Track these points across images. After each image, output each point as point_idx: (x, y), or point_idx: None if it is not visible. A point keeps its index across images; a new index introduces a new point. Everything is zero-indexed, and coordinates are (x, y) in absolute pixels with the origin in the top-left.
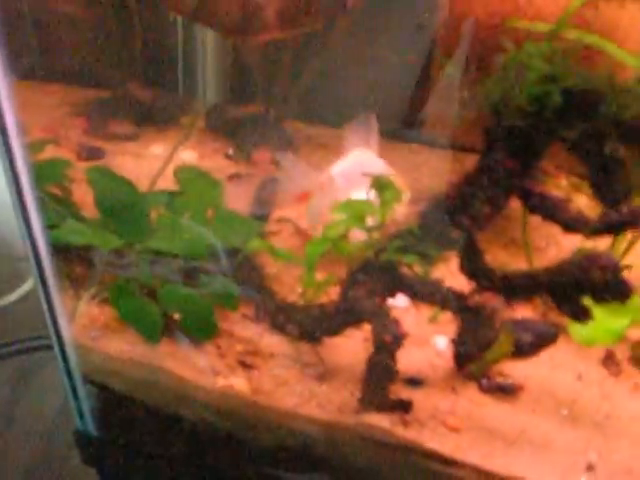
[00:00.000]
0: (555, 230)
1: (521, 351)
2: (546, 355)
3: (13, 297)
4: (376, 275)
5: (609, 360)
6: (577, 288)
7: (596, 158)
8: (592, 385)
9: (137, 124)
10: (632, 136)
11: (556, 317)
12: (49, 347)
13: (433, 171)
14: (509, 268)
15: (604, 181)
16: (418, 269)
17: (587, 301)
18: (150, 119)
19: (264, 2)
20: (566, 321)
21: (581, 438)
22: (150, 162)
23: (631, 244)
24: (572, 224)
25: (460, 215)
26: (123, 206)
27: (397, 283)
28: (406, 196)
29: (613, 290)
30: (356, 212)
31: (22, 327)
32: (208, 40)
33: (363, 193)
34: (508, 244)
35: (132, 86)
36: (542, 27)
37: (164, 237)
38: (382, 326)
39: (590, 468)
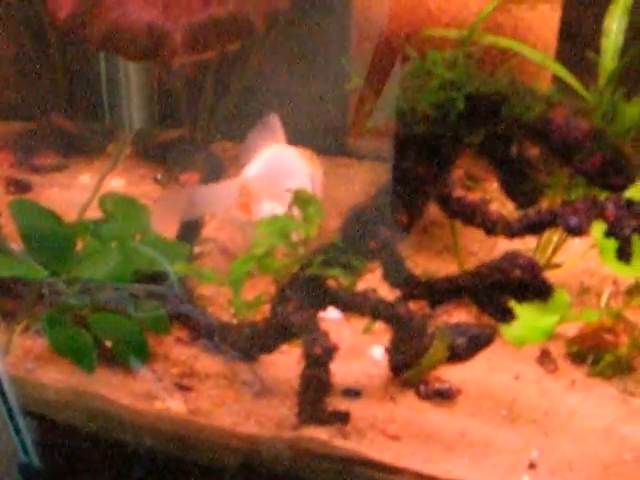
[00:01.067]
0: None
1: (457, 355)
2: (482, 357)
3: None
4: (303, 290)
5: (545, 358)
6: (498, 289)
7: (503, 161)
8: (529, 384)
9: (64, 155)
10: (536, 137)
11: (490, 319)
12: None
13: (364, 183)
14: (436, 274)
15: (513, 183)
16: (344, 281)
17: (511, 301)
18: (76, 149)
19: (170, 27)
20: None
21: (522, 437)
22: (79, 192)
23: (559, 244)
24: (492, 226)
25: (379, 225)
26: (48, 237)
27: (325, 297)
28: (320, 172)
29: (534, 289)
30: (280, 228)
31: None
32: (130, 66)
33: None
34: (442, 251)
35: (56, 117)
36: (455, 33)
37: (89, 265)
38: (312, 340)
39: (532, 466)
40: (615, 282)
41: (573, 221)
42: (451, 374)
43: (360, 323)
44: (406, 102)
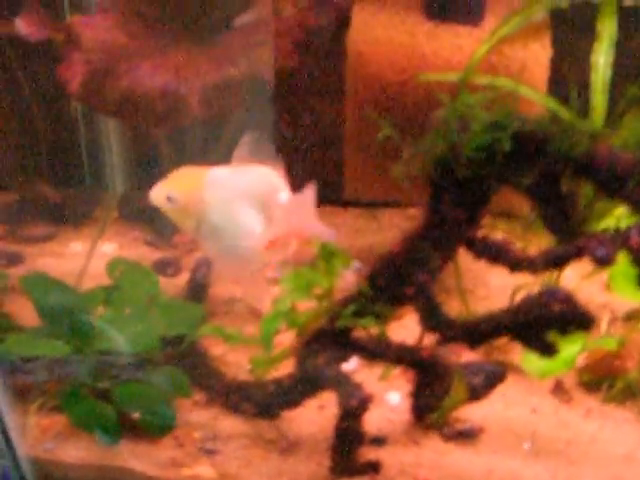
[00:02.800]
0: (481, 272)
1: (474, 394)
2: (498, 394)
3: None
4: (330, 342)
5: (558, 389)
6: (539, 325)
7: (549, 198)
8: (547, 416)
9: (52, 224)
10: (583, 172)
11: (499, 356)
12: None
13: (352, 230)
14: (465, 316)
15: (557, 219)
16: (373, 330)
17: (552, 336)
18: (63, 217)
19: (185, 91)
20: (510, 358)
21: (547, 469)
22: (72, 260)
23: (558, 275)
24: (518, 264)
25: (416, 271)
26: (64, 310)
27: (352, 347)
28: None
29: (576, 321)
30: (305, 283)
31: None
32: (109, 130)
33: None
34: (439, 291)
35: (40, 186)
36: (452, 76)
37: (113, 336)
38: (347, 392)
39: None
40: (611, 310)
41: (601, 252)
42: (471, 413)
43: (372, 371)
44: (443, 147)
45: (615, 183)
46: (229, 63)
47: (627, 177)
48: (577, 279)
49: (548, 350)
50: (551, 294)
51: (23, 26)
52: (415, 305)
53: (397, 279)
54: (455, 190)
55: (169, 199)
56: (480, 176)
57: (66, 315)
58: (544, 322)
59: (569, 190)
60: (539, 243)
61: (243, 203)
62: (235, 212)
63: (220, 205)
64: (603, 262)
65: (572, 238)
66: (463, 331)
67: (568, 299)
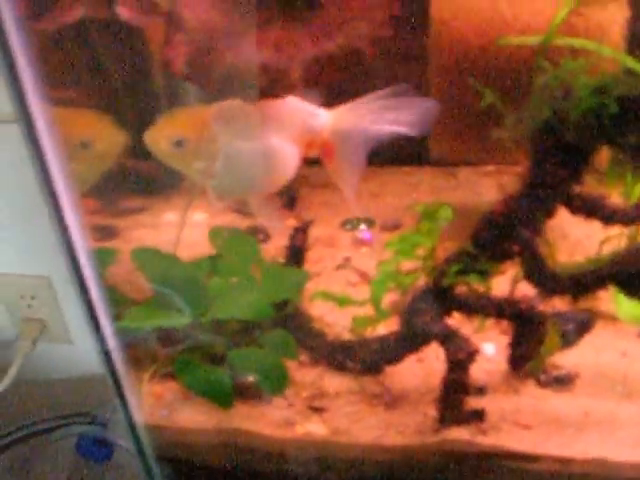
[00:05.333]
0: (559, 224)
1: (567, 341)
2: (587, 341)
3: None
4: (433, 299)
5: None
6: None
7: None
8: (637, 359)
9: (143, 196)
10: None
11: (584, 304)
12: (45, 431)
13: (431, 187)
14: (565, 267)
15: None
16: (479, 286)
17: None
18: (154, 189)
19: (285, 65)
20: (597, 305)
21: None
22: (165, 230)
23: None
24: (612, 217)
25: (520, 229)
26: (176, 281)
27: (455, 304)
28: None
29: None
30: (408, 245)
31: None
32: (194, 103)
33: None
34: None
35: (130, 160)
36: (534, 40)
37: (229, 304)
38: (455, 346)
39: None
40: None
41: None
42: (564, 360)
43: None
44: (549, 111)
45: None
46: (325, 37)
47: None
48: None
49: None
50: None
51: (125, 12)
52: (520, 261)
53: (501, 237)
54: (559, 152)
55: (178, 143)
56: (586, 139)
57: (179, 286)
58: None
59: None
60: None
61: (259, 133)
62: (251, 145)
63: (235, 142)
64: None
65: None
66: (568, 284)
67: None
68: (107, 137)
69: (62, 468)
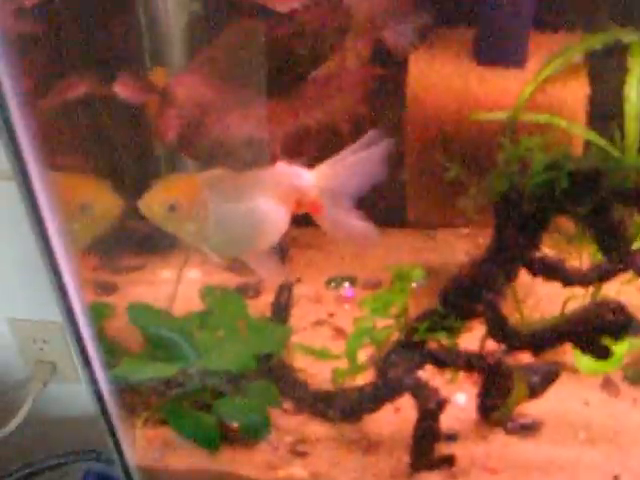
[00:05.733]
0: (530, 283)
1: (533, 392)
2: (553, 391)
3: (6, 430)
4: (407, 353)
5: (607, 384)
6: (595, 332)
7: (602, 226)
8: (598, 408)
9: (141, 254)
10: (633, 202)
11: (550, 357)
12: (53, 467)
13: (412, 248)
14: (527, 324)
15: (611, 243)
16: (446, 342)
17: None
18: (151, 248)
19: (267, 139)
20: (562, 358)
21: (602, 455)
22: (161, 287)
23: (598, 288)
24: (570, 279)
25: (486, 291)
26: (167, 335)
27: (427, 358)
28: None
29: (627, 328)
30: (382, 304)
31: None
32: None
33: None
34: None
35: (129, 221)
36: (502, 115)
37: (213, 356)
38: (425, 396)
39: (616, 478)
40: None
41: None
42: (531, 409)
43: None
44: (509, 184)
45: None
46: (306, 114)
47: None
48: (618, 285)
49: (603, 354)
50: (605, 305)
51: (122, 90)
52: (484, 320)
53: (467, 298)
54: (518, 220)
55: (172, 207)
56: (541, 209)
57: (169, 340)
58: (599, 329)
59: (620, 217)
60: (579, 254)
61: (248, 197)
62: (241, 208)
63: (226, 206)
64: None
65: (621, 256)
66: (528, 341)
67: (621, 308)
68: (105, 202)
69: None
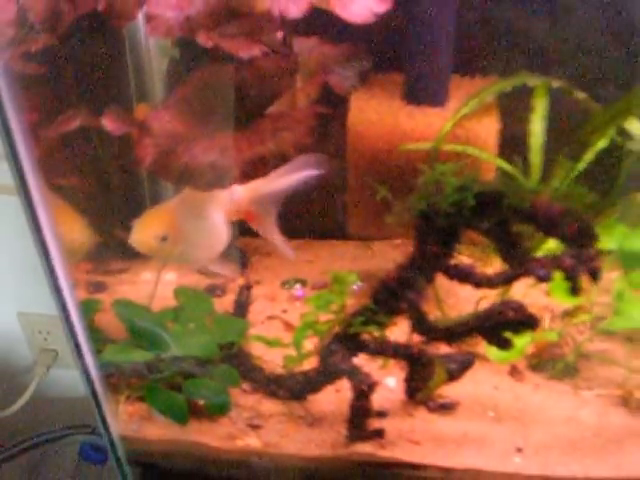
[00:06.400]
0: (451, 286)
1: (451, 377)
2: (468, 376)
3: (14, 408)
4: (344, 343)
5: (514, 371)
6: (499, 327)
7: (503, 238)
8: (506, 391)
9: (126, 259)
10: (528, 219)
11: (467, 348)
12: (54, 440)
13: (352, 256)
14: (444, 320)
15: (509, 253)
16: (376, 334)
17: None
18: (135, 254)
19: (227, 165)
20: (476, 349)
21: (508, 430)
22: (143, 287)
23: (506, 290)
24: (480, 283)
25: (408, 292)
26: (146, 327)
27: (360, 347)
28: None
29: (525, 324)
30: (324, 302)
31: (27, 430)
32: (169, 191)
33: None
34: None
35: (116, 232)
36: (426, 146)
37: (185, 345)
38: (359, 379)
39: (519, 450)
40: (551, 310)
41: (542, 272)
42: (449, 391)
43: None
44: (427, 203)
45: (550, 226)
46: (260, 143)
47: (558, 222)
48: (525, 288)
49: (506, 345)
50: (507, 304)
51: (108, 123)
52: (407, 315)
53: (393, 297)
54: (435, 234)
55: (164, 238)
56: (453, 224)
57: (148, 330)
58: (502, 325)
59: (517, 231)
60: (493, 263)
61: (205, 213)
62: (202, 223)
63: (192, 223)
64: (543, 279)
65: (520, 264)
66: (444, 333)
67: (520, 307)
68: (75, 238)
69: (67, 470)
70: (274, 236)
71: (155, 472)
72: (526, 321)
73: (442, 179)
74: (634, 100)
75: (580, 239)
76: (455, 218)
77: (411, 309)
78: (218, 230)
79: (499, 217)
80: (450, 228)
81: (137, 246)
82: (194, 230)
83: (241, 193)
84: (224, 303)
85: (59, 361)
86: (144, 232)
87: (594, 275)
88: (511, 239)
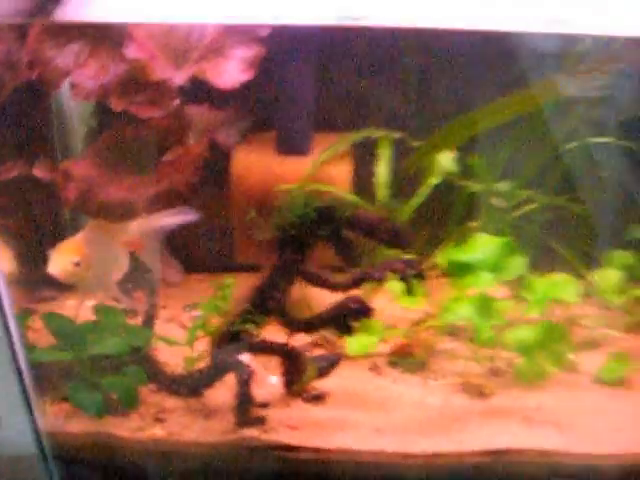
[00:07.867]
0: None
1: (322, 373)
2: (335, 373)
3: None
4: (230, 342)
5: (374, 367)
6: (345, 317)
7: (337, 242)
8: (368, 383)
9: (54, 289)
10: (352, 226)
11: (335, 349)
12: None
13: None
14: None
15: (344, 253)
16: (255, 332)
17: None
18: (62, 285)
19: (134, 200)
20: (342, 351)
21: (369, 415)
22: (69, 311)
23: (372, 292)
24: (332, 285)
25: (274, 293)
26: (68, 333)
27: (244, 346)
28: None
29: (362, 312)
30: (211, 306)
31: None
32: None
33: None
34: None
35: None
36: (295, 186)
37: (101, 347)
38: (241, 372)
39: (379, 430)
40: (404, 318)
41: (377, 274)
42: (320, 385)
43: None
44: (282, 221)
45: (369, 232)
46: (159, 182)
47: (376, 228)
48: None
49: (348, 331)
50: (349, 300)
51: (38, 172)
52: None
53: (264, 298)
54: (290, 244)
55: (77, 264)
56: (301, 233)
57: (70, 335)
58: (346, 315)
59: (347, 238)
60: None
61: (107, 241)
62: (105, 249)
63: (98, 252)
64: (379, 280)
65: (354, 264)
66: (303, 325)
67: (359, 300)
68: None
69: None
70: (156, 265)
71: (74, 462)
72: (363, 310)
73: (293, 200)
74: (440, 137)
75: (395, 242)
76: (302, 228)
77: (277, 307)
78: (118, 256)
79: (333, 225)
80: (300, 237)
81: (54, 272)
82: (100, 255)
83: (132, 227)
84: (137, 320)
85: None
86: (60, 259)
87: (420, 276)
88: (344, 243)
